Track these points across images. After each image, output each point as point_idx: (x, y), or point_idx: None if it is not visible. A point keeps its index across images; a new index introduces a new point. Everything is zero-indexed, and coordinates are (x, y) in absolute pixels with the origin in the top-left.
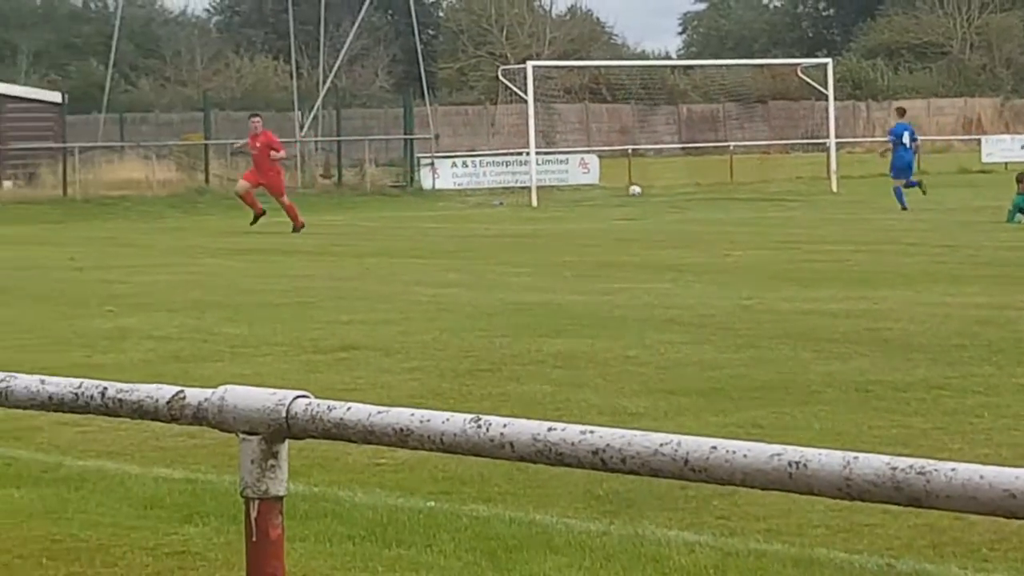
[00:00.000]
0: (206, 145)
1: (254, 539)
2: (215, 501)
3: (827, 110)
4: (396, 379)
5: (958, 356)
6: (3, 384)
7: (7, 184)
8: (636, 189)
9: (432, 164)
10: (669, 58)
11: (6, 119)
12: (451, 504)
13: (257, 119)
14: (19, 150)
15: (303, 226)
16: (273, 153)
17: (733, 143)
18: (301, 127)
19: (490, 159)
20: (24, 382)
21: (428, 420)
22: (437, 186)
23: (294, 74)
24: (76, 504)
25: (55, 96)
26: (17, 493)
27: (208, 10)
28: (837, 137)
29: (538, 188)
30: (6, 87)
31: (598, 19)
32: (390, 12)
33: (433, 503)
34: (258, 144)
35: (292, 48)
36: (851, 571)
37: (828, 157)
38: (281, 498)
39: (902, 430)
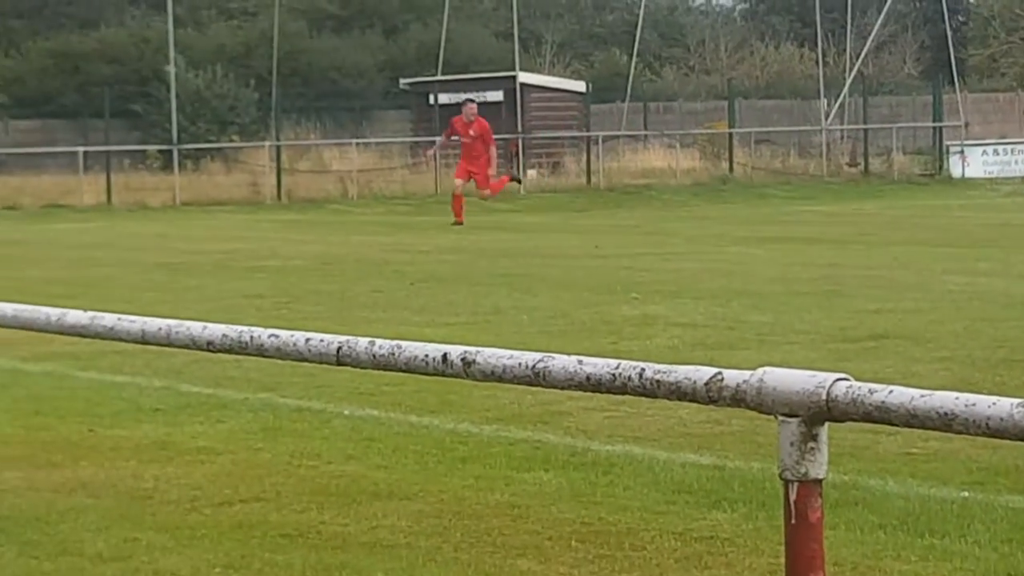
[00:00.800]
0: (730, 134)
1: (792, 522)
2: (743, 488)
3: None
4: (926, 368)
5: None
6: (541, 364)
7: (532, 173)
8: None
9: (962, 152)
10: None
11: (531, 108)
12: (986, 495)
13: (472, 104)
14: (544, 139)
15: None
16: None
17: None
18: (826, 115)
19: (1023, 147)
20: (562, 363)
21: (973, 404)
22: (967, 174)
23: (820, 61)
24: (604, 488)
25: (579, 85)
26: (546, 476)
27: None
28: None
29: None
30: (531, 77)
31: None
32: None
33: (967, 493)
34: (471, 132)
35: (818, 35)
36: None
37: None
38: (820, 481)
39: None
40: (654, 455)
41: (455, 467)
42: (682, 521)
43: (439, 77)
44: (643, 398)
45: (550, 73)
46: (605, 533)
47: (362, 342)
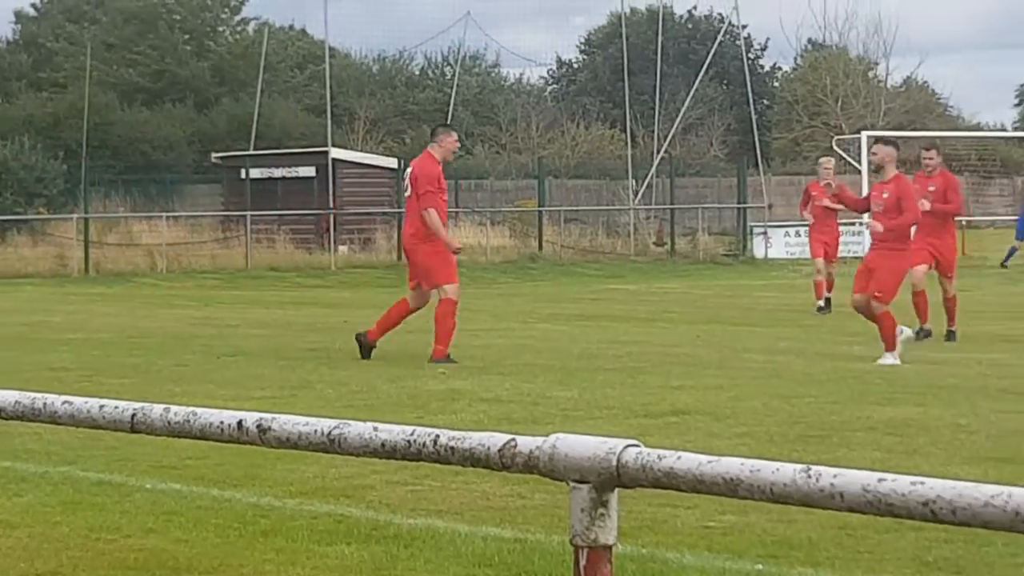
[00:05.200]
0: (540, 212)
1: None
2: (544, 560)
3: None
4: (725, 444)
5: None
6: (337, 431)
7: (342, 249)
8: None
9: (765, 233)
10: (1004, 130)
11: (342, 184)
12: (779, 567)
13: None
14: (355, 215)
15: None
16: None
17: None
18: (634, 195)
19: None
20: (357, 429)
21: (758, 470)
22: (770, 255)
23: (629, 142)
24: (405, 561)
25: (391, 162)
26: (348, 549)
27: (544, 79)
28: None
29: None
30: (343, 153)
31: (933, 91)
32: (725, 82)
33: (761, 566)
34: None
35: (627, 117)
36: None
37: None
38: (610, 547)
39: None
40: (456, 528)
41: (256, 541)
42: None
43: (251, 151)
44: (444, 468)
45: (363, 149)
46: None
47: (157, 408)
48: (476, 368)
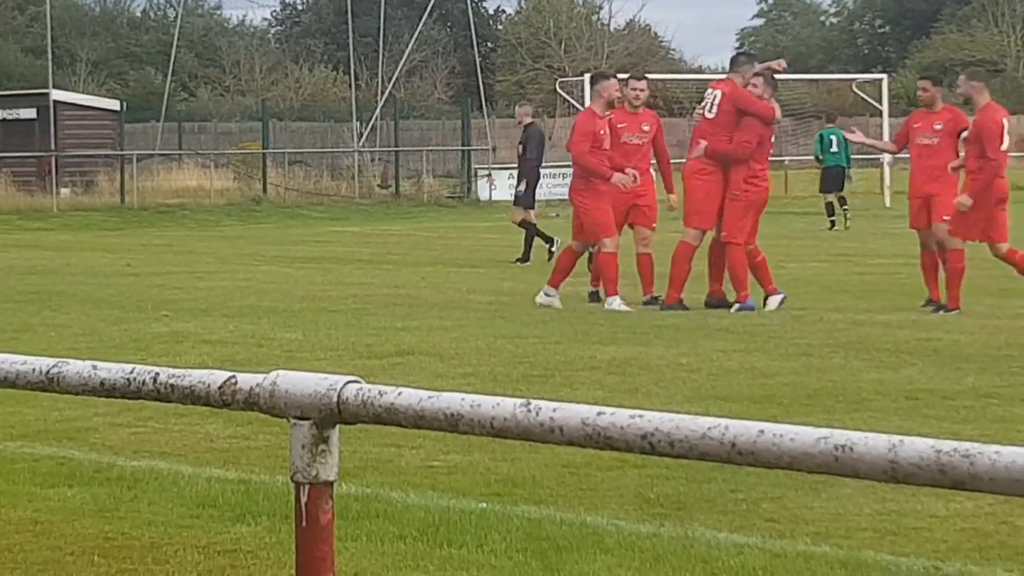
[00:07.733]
0: (264, 154)
1: (304, 524)
2: (268, 501)
3: (881, 126)
4: (450, 384)
5: (1006, 366)
6: (55, 370)
7: (65, 191)
8: None
9: (489, 175)
10: (726, 73)
11: (64, 126)
12: (502, 506)
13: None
14: (77, 157)
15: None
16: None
17: (788, 158)
18: (358, 137)
19: (547, 171)
20: (76, 368)
21: (479, 405)
22: (494, 197)
23: (353, 85)
24: (129, 503)
25: (113, 104)
26: (70, 492)
27: (268, 20)
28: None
29: None
30: (64, 94)
31: (656, 34)
32: (449, 25)
33: (485, 504)
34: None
35: (351, 59)
36: (898, 573)
37: (882, 172)
38: (331, 483)
39: (950, 437)
40: (179, 470)
41: None
42: (206, 535)
43: None
44: (167, 410)
45: (85, 91)
46: (128, 548)
47: None
48: (200, 310)
